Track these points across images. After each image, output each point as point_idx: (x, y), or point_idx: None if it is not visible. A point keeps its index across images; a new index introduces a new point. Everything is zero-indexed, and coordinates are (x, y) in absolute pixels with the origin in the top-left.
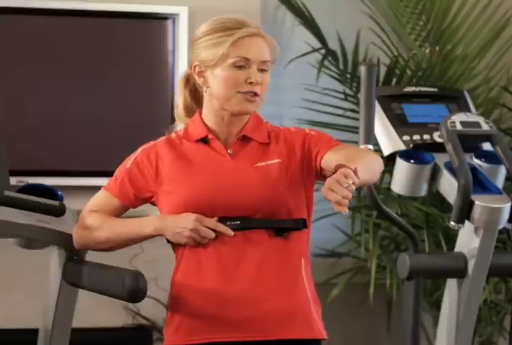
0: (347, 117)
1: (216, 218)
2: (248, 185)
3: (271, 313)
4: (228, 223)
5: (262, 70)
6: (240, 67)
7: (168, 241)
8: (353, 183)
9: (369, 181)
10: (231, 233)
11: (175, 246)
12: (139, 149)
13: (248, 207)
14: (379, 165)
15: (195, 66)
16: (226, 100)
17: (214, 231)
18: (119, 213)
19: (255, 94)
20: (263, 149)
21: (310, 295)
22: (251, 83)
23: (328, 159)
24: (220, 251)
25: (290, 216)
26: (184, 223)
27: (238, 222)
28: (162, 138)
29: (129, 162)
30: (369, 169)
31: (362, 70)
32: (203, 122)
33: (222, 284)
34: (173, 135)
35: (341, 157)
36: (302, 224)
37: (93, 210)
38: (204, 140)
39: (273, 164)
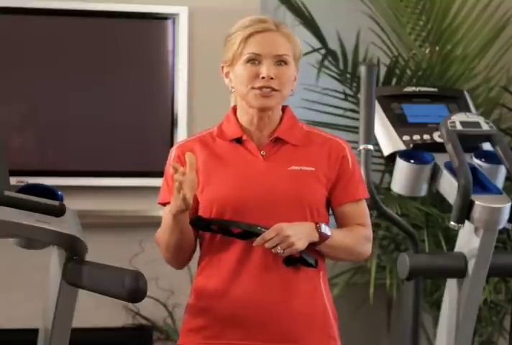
0: (347, 117)
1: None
2: (279, 187)
3: (290, 322)
4: (259, 228)
5: (280, 64)
6: (253, 63)
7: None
8: (281, 252)
9: (340, 258)
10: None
11: (201, 242)
12: (173, 152)
13: (278, 207)
14: (360, 252)
15: (222, 67)
16: (245, 97)
17: (244, 238)
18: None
19: (272, 89)
20: (298, 152)
21: (329, 307)
22: (263, 77)
23: (341, 212)
24: (247, 257)
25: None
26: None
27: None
28: (195, 136)
29: (170, 169)
30: (350, 252)
31: (362, 70)
32: (238, 121)
33: (247, 293)
34: (205, 133)
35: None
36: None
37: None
38: (238, 140)
39: (308, 171)
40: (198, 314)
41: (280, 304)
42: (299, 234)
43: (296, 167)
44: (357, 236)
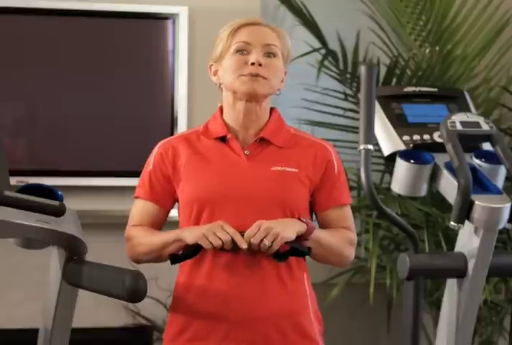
0: (347, 117)
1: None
2: (260, 186)
3: (271, 319)
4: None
5: (269, 55)
6: (242, 53)
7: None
8: (269, 245)
9: (323, 258)
10: (245, 246)
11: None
12: (156, 149)
13: (258, 206)
14: (343, 253)
15: (210, 66)
16: (232, 86)
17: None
18: (160, 217)
19: (260, 76)
20: (282, 153)
21: (311, 308)
22: (252, 64)
23: (325, 217)
24: (227, 256)
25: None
26: (200, 228)
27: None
28: (180, 134)
29: (150, 165)
30: (335, 252)
31: (362, 70)
32: (223, 120)
33: (229, 288)
34: (191, 131)
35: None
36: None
37: (134, 224)
38: (223, 139)
39: (290, 172)
40: (181, 311)
41: (259, 301)
42: (282, 226)
43: (279, 168)
44: (340, 237)
